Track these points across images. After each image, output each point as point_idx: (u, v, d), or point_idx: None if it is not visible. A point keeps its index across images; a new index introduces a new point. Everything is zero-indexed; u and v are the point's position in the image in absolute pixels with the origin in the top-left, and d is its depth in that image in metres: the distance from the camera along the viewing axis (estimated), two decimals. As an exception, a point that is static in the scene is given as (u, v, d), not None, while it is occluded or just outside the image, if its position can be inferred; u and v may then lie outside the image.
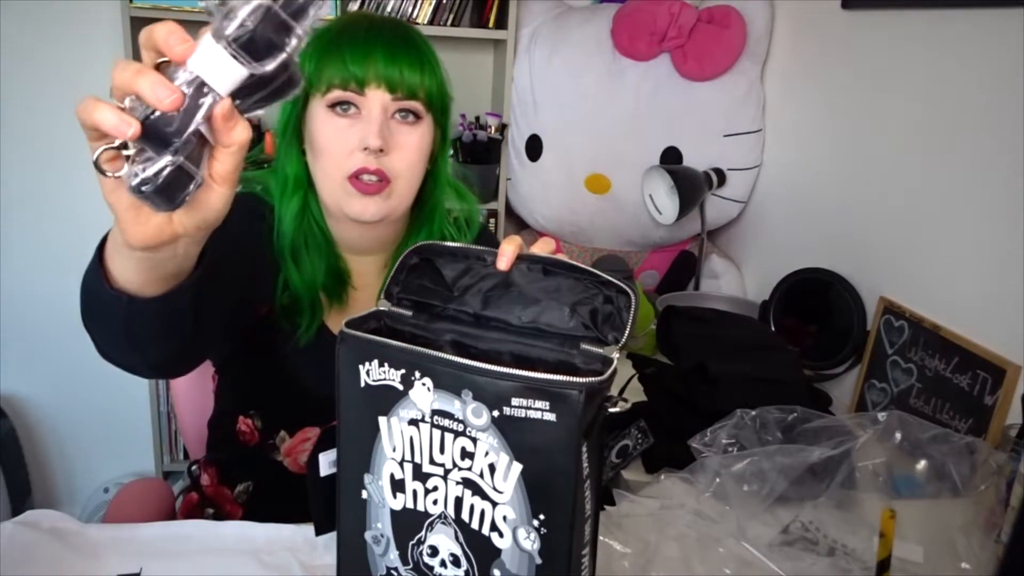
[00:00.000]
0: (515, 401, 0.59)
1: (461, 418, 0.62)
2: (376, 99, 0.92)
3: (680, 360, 1.46)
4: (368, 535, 0.70)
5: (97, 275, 0.65)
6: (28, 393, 2.23)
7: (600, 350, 0.64)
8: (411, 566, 0.68)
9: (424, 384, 0.63)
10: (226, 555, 0.85)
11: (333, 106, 0.92)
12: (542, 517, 0.60)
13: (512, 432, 0.60)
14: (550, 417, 0.58)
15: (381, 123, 0.91)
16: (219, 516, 1.09)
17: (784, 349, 1.48)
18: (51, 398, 2.25)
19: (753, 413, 1.08)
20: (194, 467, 1.18)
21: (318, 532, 0.86)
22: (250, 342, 1.01)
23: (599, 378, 0.59)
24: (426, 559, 0.67)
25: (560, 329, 0.66)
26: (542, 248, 0.70)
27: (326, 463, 0.86)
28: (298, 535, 0.89)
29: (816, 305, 1.68)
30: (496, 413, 0.60)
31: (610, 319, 0.65)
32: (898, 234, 1.52)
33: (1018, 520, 0.79)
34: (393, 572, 0.69)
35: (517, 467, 0.60)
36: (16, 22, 1.96)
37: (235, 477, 1.10)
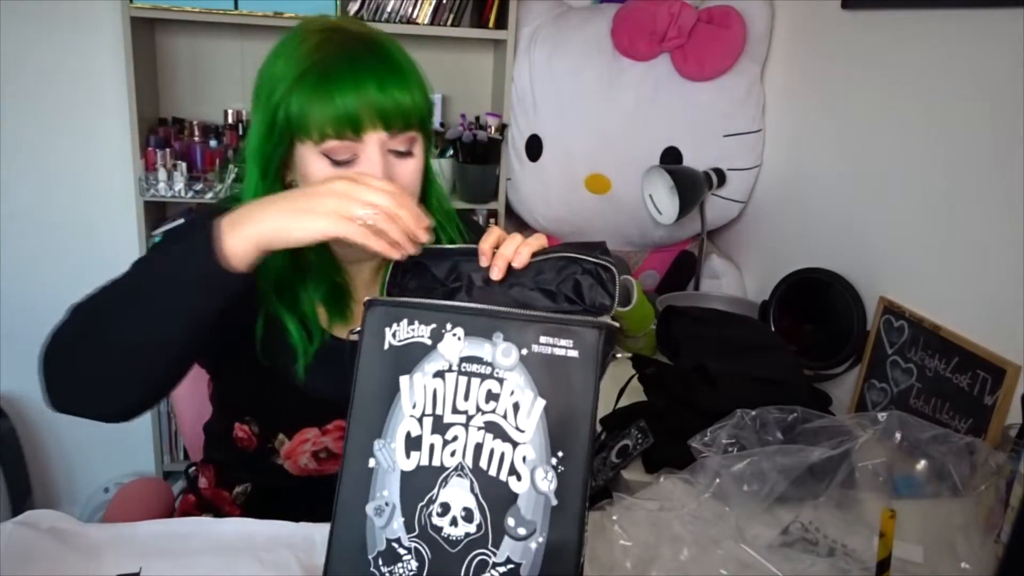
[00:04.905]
0: (543, 339, 0.67)
1: (490, 360, 0.68)
2: (373, 142, 0.88)
3: (680, 360, 1.46)
4: (370, 507, 0.70)
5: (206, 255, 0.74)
6: (28, 393, 2.22)
7: (595, 320, 0.70)
8: (416, 532, 0.69)
9: (455, 334, 0.69)
10: (225, 553, 0.85)
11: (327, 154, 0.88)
12: (560, 455, 0.66)
13: (538, 369, 0.67)
14: (573, 354, 0.67)
15: (383, 166, 0.88)
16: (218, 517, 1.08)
17: (784, 349, 1.48)
18: (51, 398, 2.25)
19: (753, 413, 1.08)
20: (191, 469, 1.18)
21: None
22: (239, 353, 0.99)
23: (615, 323, 0.68)
24: (435, 520, 0.68)
25: (551, 311, 0.72)
26: (536, 243, 0.76)
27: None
28: (297, 533, 0.89)
29: (816, 305, 1.68)
30: (524, 351, 0.68)
31: (593, 289, 0.72)
32: (898, 234, 1.52)
33: (1018, 520, 0.79)
34: (394, 544, 0.69)
35: (541, 403, 0.67)
36: (16, 22, 1.96)
37: (234, 479, 1.10)
